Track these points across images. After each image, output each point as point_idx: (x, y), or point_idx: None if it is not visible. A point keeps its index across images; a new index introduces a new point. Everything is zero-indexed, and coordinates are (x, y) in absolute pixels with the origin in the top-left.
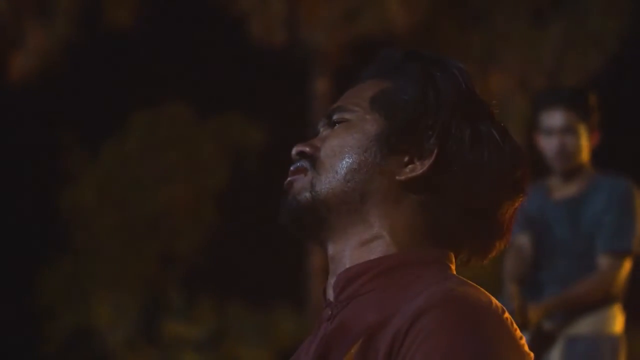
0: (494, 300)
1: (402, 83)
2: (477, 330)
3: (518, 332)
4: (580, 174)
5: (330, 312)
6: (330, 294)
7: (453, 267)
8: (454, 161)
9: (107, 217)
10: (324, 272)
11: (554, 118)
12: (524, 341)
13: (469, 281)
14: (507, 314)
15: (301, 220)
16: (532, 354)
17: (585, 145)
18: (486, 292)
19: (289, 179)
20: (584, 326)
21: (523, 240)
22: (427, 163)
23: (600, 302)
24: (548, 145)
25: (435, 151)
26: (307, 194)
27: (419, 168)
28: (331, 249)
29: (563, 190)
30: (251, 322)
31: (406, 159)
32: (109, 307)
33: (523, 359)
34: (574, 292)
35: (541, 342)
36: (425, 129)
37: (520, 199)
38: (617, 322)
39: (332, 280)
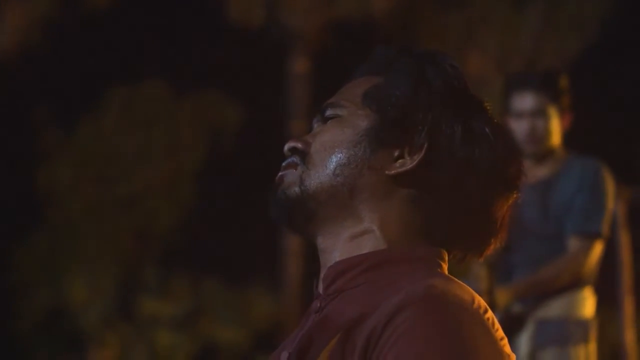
0: (477, 300)
1: (394, 79)
2: (453, 329)
3: (500, 333)
4: (551, 156)
5: (319, 305)
6: (321, 287)
7: (444, 264)
8: (445, 157)
9: (83, 194)
10: (300, 252)
11: (524, 101)
12: (505, 342)
13: (455, 279)
14: (489, 314)
15: (291, 215)
16: (513, 355)
17: (556, 127)
18: (471, 291)
19: (279, 173)
20: (554, 309)
21: None
22: (417, 158)
23: (571, 285)
24: (518, 128)
25: (425, 146)
26: (296, 189)
27: (408, 163)
28: (321, 243)
29: (534, 173)
30: (226, 301)
31: (396, 153)
32: (84, 284)
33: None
34: (543, 275)
35: (511, 325)
36: (416, 125)
37: (514, 196)
38: (588, 305)
39: (322, 274)
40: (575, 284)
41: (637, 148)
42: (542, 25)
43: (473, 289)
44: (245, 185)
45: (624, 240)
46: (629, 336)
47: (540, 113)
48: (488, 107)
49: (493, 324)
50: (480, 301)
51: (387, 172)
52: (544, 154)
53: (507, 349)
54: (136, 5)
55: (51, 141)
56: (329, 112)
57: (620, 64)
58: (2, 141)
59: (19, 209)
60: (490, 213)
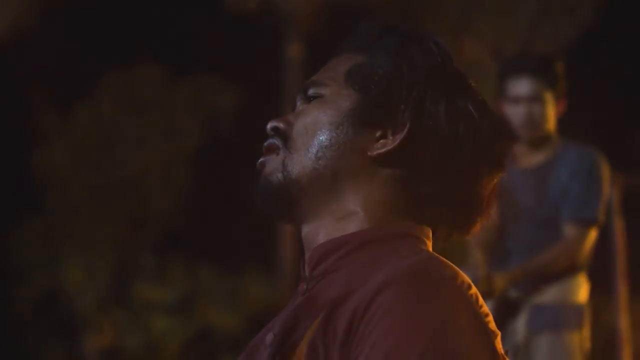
0: (461, 276)
1: (377, 57)
2: (437, 305)
3: (484, 309)
4: (546, 142)
5: (305, 287)
6: (306, 269)
7: (428, 241)
8: (428, 135)
9: (79, 178)
10: (295, 237)
11: (521, 86)
12: (490, 318)
13: (439, 256)
14: (473, 290)
15: (274, 202)
16: (498, 332)
17: (551, 113)
18: (454, 267)
19: (260, 159)
20: (549, 295)
21: None
22: (399, 138)
23: (566, 271)
24: (515, 113)
25: (408, 126)
26: (279, 175)
27: (390, 143)
28: (305, 227)
29: (529, 159)
30: (222, 286)
31: (378, 133)
32: (79, 269)
33: (486, 337)
34: (539, 261)
35: (506, 310)
36: (398, 104)
37: (500, 174)
38: (582, 291)
39: (307, 256)
40: (569, 270)
41: (632, 134)
42: (537, 10)
43: (470, 276)
44: (241, 169)
45: (619, 226)
46: (624, 321)
47: (536, 98)
48: (473, 85)
49: (477, 300)
50: (464, 277)
51: (369, 152)
52: (539, 140)
53: (492, 325)
54: None
55: (47, 125)
56: (311, 91)
57: (613, 48)
58: None
59: (15, 192)
60: (475, 191)
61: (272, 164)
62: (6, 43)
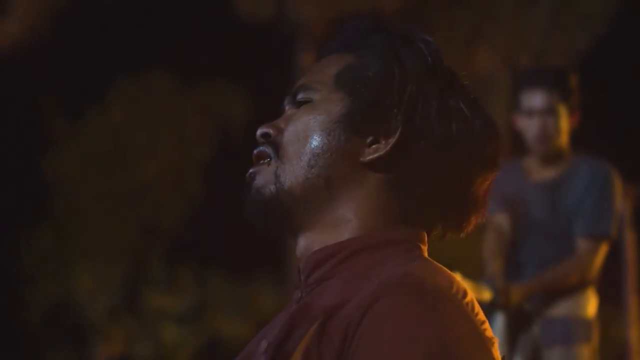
0: (456, 284)
1: (366, 58)
2: (431, 316)
3: (480, 317)
4: (560, 155)
5: (299, 294)
6: (301, 277)
7: (423, 246)
8: (421, 138)
9: (90, 186)
10: None
11: (535, 99)
12: (486, 326)
13: (433, 262)
14: (468, 298)
15: (267, 214)
16: (495, 339)
17: (565, 126)
18: (449, 275)
19: (251, 170)
20: (560, 308)
21: (502, 219)
22: (391, 142)
23: (577, 285)
24: (529, 126)
25: (400, 130)
26: (272, 187)
27: (382, 148)
28: (299, 236)
29: (542, 172)
30: (232, 295)
31: (370, 139)
32: (90, 277)
33: (482, 345)
34: (552, 274)
35: (518, 323)
36: (390, 107)
37: (494, 173)
38: (592, 305)
39: (301, 263)
40: (580, 284)
41: None
42: (549, 22)
43: (489, 287)
44: None
45: (630, 240)
46: (634, 334)
47: (551, 111)
48: (463, 83)
49: (473, 308)
50: (459, 285)
51: (362, 158)
52: (552, 154)
53: (489, 332)
54: None
55: (58, 132)
56: (301, 96)
57: (626, 61)
58: (9, 132)
59: (26, 200)
60: (470, 191)
61: (263, 176)
62: (18, 49)
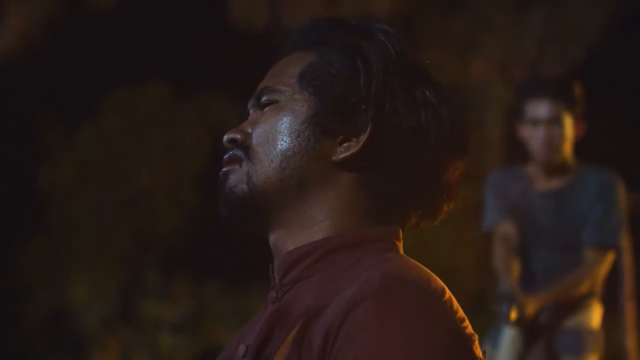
0: (434, 281)
1: (328, 56)
2: (412, 319)
3: (460, 314)
4: (564, 165)
5: (275, 295)
6: (275, 276)
7: (399, 242)
8: (391, 132)
9: (85, 197)
10: None
11: (540, 108)
12: (466, 323)
13: (410, 260)
14: (447, 295)
15: (241, 213)
16: (475, 336)
17: (570, 136)
18: (425, 273)
19: (223, 169)
20: (573, 320)
21: (508, 229)
22: (362, 139)
23: (585, 295)
24: (533, 136)
25: (370, 126)
26: (244, 186)
27: (353, 146)
28: (273, 236)
29: (548, 182)
30: (228, 304)
31: (340, 137)
32: (85, 287)
33: (464, 344)
34: (564, 285)
35: (531, 334)
36: (358, 103)
37: (464, 160)
38: (597, 315)
39: (275, 263)
40: (588, 295)
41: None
42: (544, 30)
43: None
44: None
45: (626, 246)
46: (631, 342)
47: (556, 121)
48: (429, 71)
49: (452, 306)
50: (437, 283)
51: (333, 158)
52: (558, 163)
53: (469, 329)
54: (138, 7)
55: (53, 143)
56: (265, 98)
57: (622, 70)
58: (3, 142)
59: (20, 210)
60: (442, 181)
61: (236, 175)
62: (12, 60)
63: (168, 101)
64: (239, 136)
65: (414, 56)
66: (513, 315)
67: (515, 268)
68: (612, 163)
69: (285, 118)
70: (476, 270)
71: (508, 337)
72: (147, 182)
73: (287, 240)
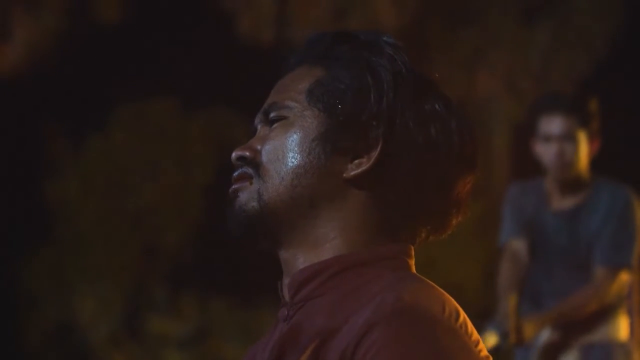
0: (448, 305)
1: (337, 70)
2: (426, 344)
3: (475, 337)
4: (579, 182)
5: (286, 313)
6: (286, 294)
7: (410, 260)
8: (403, 147)
9: (91, 210)
10: None
11: (553, 124)
12: (481, 346)
13: (423, 280)
14: (461, 319)
15: (252, 231)
16: (490, 358)
17: (584, 152)
18: (440, 294)
19: (233, 186)
20: (598, 333)
21: (519, 245)
22: (374, 156)
23: (610, 308)
24: (547, 152)
25: (381, 142)
26: (255, 204)
27: (365, 163)
28: (284, 253)
29: (562, 201)
30: (235, 319)
31: (351, 154)
32: (91, 301)
33: None
34: (570, 305)
35: (555, 352)
36: (369, 119)
37: (474, 173)
38: (625, 327)
39: (286, 281)
40: (614, 308)
41: None
42: (551, 44)
43: (499, 328)
44: None
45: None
46: (638, 357)
47: (569, 137)
48: (436, 83)
49: (466, 330)
50: (451, 306)
51: (344, 175)
52: (571, 180)
53: (484, 352)
54: (146, 21)
55: (60, 156)
56: (273, 115)
57: (629, 82)
58: (10, 155)
59: (27, 223)
60: (453, 194)
61: (246, 193)
62: (20, 73)
63: (175, 115)
64: (248, 153)
65: (422, 70)
66: (491, 341)
67: (515, 293)
68: (620, 174)
69: (295, 135)
70: (483, 286)
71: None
72: (154, 196)
73: (298, 258)
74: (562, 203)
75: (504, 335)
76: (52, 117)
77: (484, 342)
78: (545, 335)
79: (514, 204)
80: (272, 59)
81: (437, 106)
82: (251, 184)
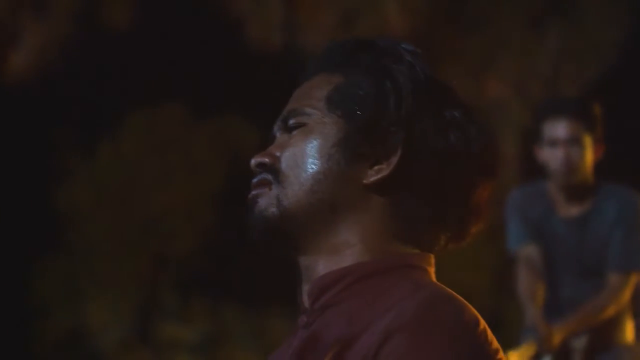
0: (467, 313)
1: (355, 77)
2: (447, 352)
3: (494, 345)
4: (585, 187)
5: (306, 320)
6: (306, 301)
7: (430, 268)
8: (421, 154)
9: (102, 217)
10: None
11: (559, 129)
12: (500, 355)
13: (443, 289)
14: (481, 326)
15: (271, 237)
16: None
17: (589, 157)
18: (460, 303)
19: (252, 192)
20: (605, 337)
21: (532, 252)
22: (393, 162)
23: (617, 314)
24: (552, 156)
25: (400, 148)
26: (274, 210)
27: (385, 169)
28: (304, 259)
29: (569, 206)
30: (246, 326)
31: (371, 160)
32: (102, 307)
33: None
34: (589, 311)
35: (566, 358)
36: (388, 126)
37: (494, 181)
38: (630, 330)
39: (306, 288)
40: (620, 313)
41: None
42: (560, 50)
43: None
44: None
45: None
46: None
47: (575, 141)
48: (455, 91)
49: (486, 338)
50: (472, 315)
51: (364, 181)
52: (577, 185)
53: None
54: (155, 28)
55: (70, 163)
56: (292, 121)
57: (638, 87)
58: (20, 163)
59: (38, 230)
60: (472, 202)
61: (266, 199)
62: (29, 80)
63: (185, 122)
64: (267, 160)
65: (440, 77)
66: (531, 350)
67: (540, 293)
68: (627, 182)
69: (314, 141)
70: (493, 292)
71: None
72: (165, 202)
73: (318, 264)
74: (570, 209)
75: (540, 341)
76: (63, 124)
77: (525, 351)
78: (584, 340)
79: (520, 210)
80: (281, 65)
81: (456, 113)
82: (270, 190)
